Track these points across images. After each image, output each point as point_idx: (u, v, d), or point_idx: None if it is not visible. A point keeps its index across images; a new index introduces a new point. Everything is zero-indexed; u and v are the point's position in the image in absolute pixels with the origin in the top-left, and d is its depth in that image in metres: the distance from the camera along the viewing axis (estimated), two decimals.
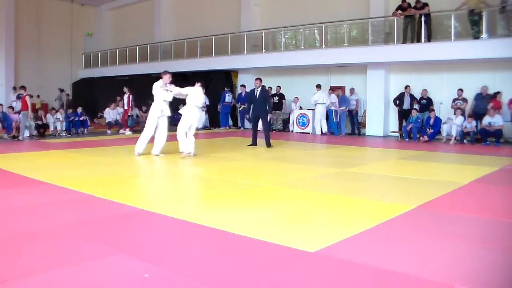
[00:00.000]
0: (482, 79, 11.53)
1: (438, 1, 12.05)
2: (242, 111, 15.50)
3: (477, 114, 11.08)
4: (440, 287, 2.56)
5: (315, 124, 13.87)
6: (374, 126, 13.51)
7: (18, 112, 11.98)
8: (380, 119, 13.39)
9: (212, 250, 3.20)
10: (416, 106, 12.34)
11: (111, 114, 14.60)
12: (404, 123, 12.41)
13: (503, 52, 10.38)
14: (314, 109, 13.84)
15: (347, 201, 4.73)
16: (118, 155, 8.64)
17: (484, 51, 10.70)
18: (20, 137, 11.66)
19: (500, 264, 2.97)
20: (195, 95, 8.11)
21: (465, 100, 11.57)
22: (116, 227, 3.76)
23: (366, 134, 13.71)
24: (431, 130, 11.49)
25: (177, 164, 7.62)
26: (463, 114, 11.25)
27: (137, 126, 14.93)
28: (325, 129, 13.73)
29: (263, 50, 15.36)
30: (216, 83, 16.43)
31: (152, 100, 8.22)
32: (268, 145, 9.71)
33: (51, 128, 13.13)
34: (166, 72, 8.16)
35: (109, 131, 14.06)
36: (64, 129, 13.26)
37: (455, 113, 11.24)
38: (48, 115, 13.26)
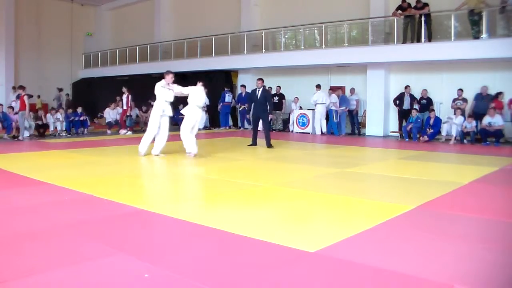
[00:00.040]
0: (482, 79, 11.53)
1: (438, 1, 12.05)
2: (242, 111, 15.50)
3: (477, 114, 11.08)
4: (440, 287, 2.56)
5: (315, 124, 13.87)
6: (374, 126, 13.51)
7: (18, 113, 11.99)
8: (380, 119, 13.39)
9: (212, 250, 3.20)
10: (416, 106, 12.34)
11: (111, 114, 14.60)
12: (404, 123, 12.41)
13: (503, 52, 10.38)
14: (314, 109, 13.85)
15: (347, 201, 4.73)
16: (118, 155, 8.65)
17: (484, 51, 10.69)
18: (20, 137, 11.67)
19: (500, 264, 2.97)
20: (197, 95, 8.10)
21: (465, 100, 11.57)
22: (116, 227, 3.76)
23: (366, 134, 13.70)
24: (431, 130, 11.49)
25: (177, 164, 7.63)
26: (463, 114, 11.25)
27: (137, 126, 14.96)
28: (324, 129, 13.74)
29: (263, 50, 15.35)
30: (216, 83, 16.42)
31: (153, 100, 8.23)
32: (269, 145, 9.69)
33: (51, 128, 13.13)
34: (168, 72, 8.18)
35: (109, 131, 14.06)
36: (64, 129, 13.26)
37: (455, 113, 11.24)
38: (48, 115, 13.26)
